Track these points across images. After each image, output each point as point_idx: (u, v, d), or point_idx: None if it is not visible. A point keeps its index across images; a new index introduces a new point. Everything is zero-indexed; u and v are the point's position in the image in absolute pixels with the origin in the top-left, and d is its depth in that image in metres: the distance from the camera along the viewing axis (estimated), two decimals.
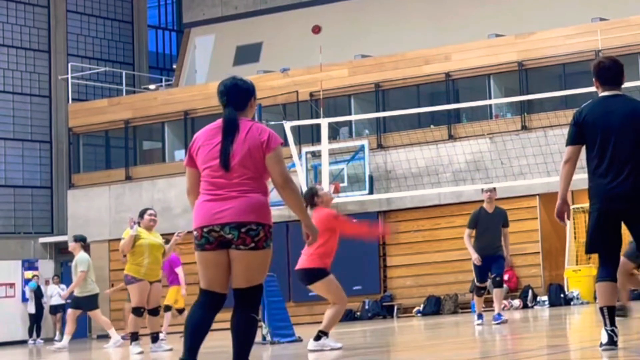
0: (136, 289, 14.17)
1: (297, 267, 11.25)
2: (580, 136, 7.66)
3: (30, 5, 34.01)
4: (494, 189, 16.28)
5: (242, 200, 6.20)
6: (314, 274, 11.11)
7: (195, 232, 6.29)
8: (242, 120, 6.39)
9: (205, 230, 6.22)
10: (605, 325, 7.45)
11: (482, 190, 16.32)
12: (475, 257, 15.09)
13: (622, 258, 12.88)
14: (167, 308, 21.39)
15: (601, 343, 7.49)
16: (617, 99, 7.75)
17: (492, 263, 14.95)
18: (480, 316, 15.23)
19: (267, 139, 6.29)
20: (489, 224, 15.04)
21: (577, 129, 7.68)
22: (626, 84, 8.14)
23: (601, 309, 7.51)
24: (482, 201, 25.33)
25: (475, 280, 15.46)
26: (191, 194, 6.45)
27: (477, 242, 15.11)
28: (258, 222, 6.20)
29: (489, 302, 24.46)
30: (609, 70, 7.82)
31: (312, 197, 11.25)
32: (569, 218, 7.76)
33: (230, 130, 6.31)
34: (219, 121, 6.43)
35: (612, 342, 7.41)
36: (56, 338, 30.15)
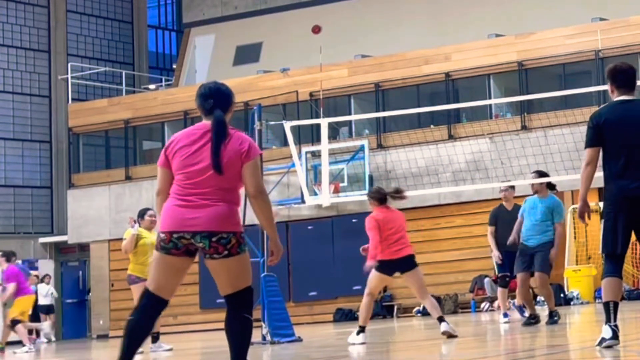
0: (139, 289, 14.16)
1: (405, 253, 12.16)
2: (600, 138, 7.78)
3: (30, 5, 34.01)
4: (513, 187, 16.26)
5: (213, 209, 6.13)
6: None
7: (162, 235, 6.20)
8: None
9: (175, 236, 6.15)
10: (609, 320, 7.57)
11: (500, 189, 16.38)
12: (496, 254, 15.20)
13: (524, 275, 13.25)
14: (17, 322, 20.04)
15: (603, 338, 7.55)
16: (635, 102, 7.90)
17: (512, 260, 14.91)
18: (506, 314, 15.31)
19: (248, 149, 6.21)
20: (508, 221, 15.01)
21: (596, 132, 7.79)
22: None
23: (607, 303, 7.63)
24: (481, 201, 25.42)
25: (496, 272, 15.50)
26: (161, 195, 6.35)
27: (499, 238, 15.13)
28: (228, 231, 6.14)
29: (487, 301, 24.49)
30: (625, 73, 7.94)
31: (385, 196, 12.40)
32: (589, 218, 7.83)
33: (222, 133, 6.21)
34: (202, 125, 6.31)
35: (615, 336, 7.54)
36: (50, 339, 30.17)
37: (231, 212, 6.18)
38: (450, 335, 11.66)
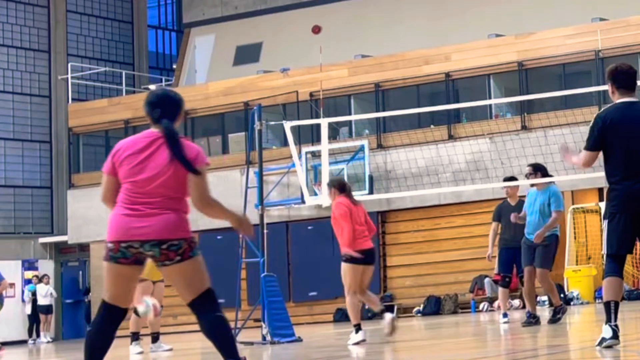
0: (139, 289, 14.18)
1: (371, 245, 12.36)
2: (601, 143, 7.83)
3: (30, 5, 34.00)
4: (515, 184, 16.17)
5: (162, 217, 6.07)
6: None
7: (110, 245, 6.13)
8: None
9: (123, 245, 6.08)
10: (609, 320, 7.59)
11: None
12: (488, 253, 15.23)
13: (531, 268, 13.32)
14: None
15: (603, 338, 7.56)
16: (638, 105, 7.94)
17: (518, 257, 14.84)
18: (505, 315, 15.25)
19: (194, 159, 6.14)
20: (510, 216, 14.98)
21: (600, 135, 7.84)
22: None
23: (607, 303, 7.65)
24: (481, 201, 25.43)
25: (497, 271, 15.43)
26: (108, 202, 6.28)
27: (503, 234, 15.08)
28: (179, 238, 6.08)
29: (486, 301, 24.49)
30: (625, 74, 7.98)
31: (345, 186, 12.68)
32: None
33: (176, 141, 6.14)
34: (149, 133, 6.26)
35: (616, 336, 7.57)
36: (48, 339, 30.15)
37: (180, 220, 6.12)
38: (392, 326, 11.72)
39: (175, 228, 6.07)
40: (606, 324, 7.60)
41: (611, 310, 7.57)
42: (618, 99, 7.95)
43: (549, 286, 13.52)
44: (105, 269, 6.20)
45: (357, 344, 12.03)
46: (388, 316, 11.96)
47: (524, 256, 13.53)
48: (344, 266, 12.23)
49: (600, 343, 7.63)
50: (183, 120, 31.50)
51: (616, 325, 7.56)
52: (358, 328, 12.17)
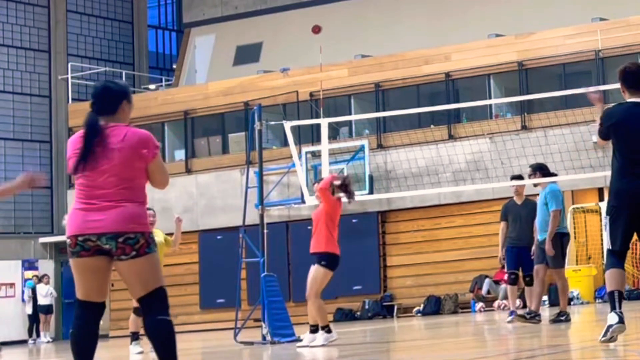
0: None
1: (339, 253, 12.16)
2: (609, 134, 8.18)
3: (30, 5, 34.00)
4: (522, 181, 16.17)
5: (118, 210, 6.00)
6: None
7: (68, 241, 6.09)
8: (114, 126, 6.12)
9: (80, 239, 6.03)
10: (614, 308, 7.72)
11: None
12: (499, 256, 15.27)
13: (541, 266, 13.42)
14: None
15: (609, 325, 7.65)
16: None
17: (523, 256, 14.86)
18: (512, 312, 15.21)
19: (148, 148, 6.09)
20: (517, 215, 15.01)
21: (607, 130, 8.18)
22: None
23: (611, 292, 7.79)
24: (481, 201, 25.44)
25: (506, 268, 15.44)
26: None
27: (510, 233, 15.10)
28: (135, 231, 6.01)
29: (488, 302, 24.49)
30: (634, 74, 8.21)
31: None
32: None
33: (91, 135, 6.06)
34: None
35: (621, 321, 7.68)
36: (48, 339, 30.16)
37: (136, 212, 6.05)
38: (321, 345, 11.82)
39: (131, 220, 6.00)
40: (611, 312, 7.71)
41: (615, 299, 7.73)
42: (629, 99, 8.20)
43: (562, 286, 13.59)
44: (71, 266, 6.17)
45: (329, 343, 12.07)
46: (335, 336, 12.03)
47: (537, 254, 13.65)
48: (321, 271, 12.20)
49: (605, 332, 7.68)
50: (183, 120, 31.43)
51: (621, 312, 7.67)
52: (329, 328, 12.20)
